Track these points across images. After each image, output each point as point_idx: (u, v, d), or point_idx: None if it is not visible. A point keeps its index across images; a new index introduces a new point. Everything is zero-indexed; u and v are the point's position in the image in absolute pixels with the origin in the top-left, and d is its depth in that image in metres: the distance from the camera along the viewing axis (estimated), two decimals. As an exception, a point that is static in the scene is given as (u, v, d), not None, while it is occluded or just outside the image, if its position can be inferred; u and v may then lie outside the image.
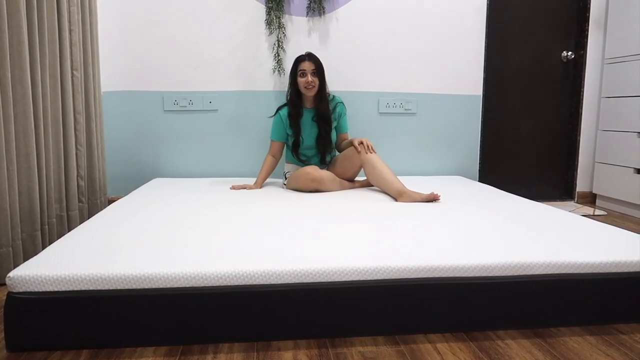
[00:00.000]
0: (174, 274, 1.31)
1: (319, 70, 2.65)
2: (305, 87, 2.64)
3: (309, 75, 2.62)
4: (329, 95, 2.76)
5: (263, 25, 3.08)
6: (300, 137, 2.70)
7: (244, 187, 2.67)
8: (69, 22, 2.35)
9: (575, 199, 3.56)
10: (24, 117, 1.91)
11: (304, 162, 2.74)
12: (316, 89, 2.65)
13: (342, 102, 2.81)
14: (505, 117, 3.50)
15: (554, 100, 3.54)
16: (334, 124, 2.77)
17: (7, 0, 1.79)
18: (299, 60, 2.69)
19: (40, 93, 2.05)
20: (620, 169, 3.19)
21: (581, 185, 3.56)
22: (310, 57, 2.68)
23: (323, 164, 2.75)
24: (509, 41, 3.43)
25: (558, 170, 3.62)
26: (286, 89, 3.12)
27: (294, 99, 2.71)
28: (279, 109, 2.77)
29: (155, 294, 1.30)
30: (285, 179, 2.81)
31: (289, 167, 2.82)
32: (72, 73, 2.39)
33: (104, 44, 2.87)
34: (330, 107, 2.73)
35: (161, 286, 1.31)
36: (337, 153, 2.86)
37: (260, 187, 2.72)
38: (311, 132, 2.72)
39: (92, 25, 2.63)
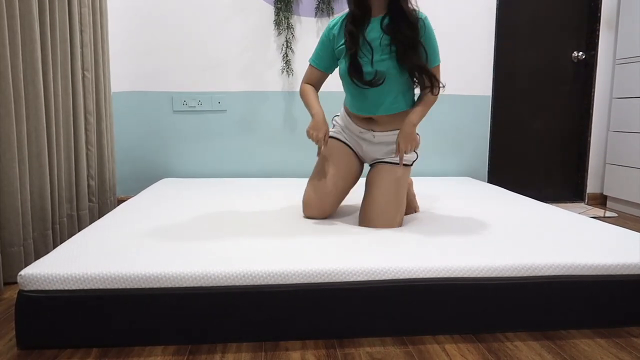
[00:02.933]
0: (183, 273, 1.32)
1: None
2: None
3: None
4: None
5: (272, 26, 3.09)
6: (361, 52, 1.78)
7: (323, 142, 1.85)
8: (80, 23, 2.38)
9: (586, 200, 3.53)
10: (35, 116, 1.92)
11: (368, 84, 1.80)
12: None
13: (426, 18, 1.83)
14: (515, 117, 3.47)
15: (564, 100, 3.51)
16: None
17: (20, 2, 1.81)
18: None
19: (52, 93, 2.07)
20: (632, 171, 3.16)
21: (592, 187, 3.53)
22: None
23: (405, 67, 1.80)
24: (519, 41, 3.41)
25: (568, 172, 3.59)
26: (294, 89, 3.11)
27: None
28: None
29: (164, 293, 1.31)
30: (333, 126, 2.06)
31: (342, 112, 2.04)
32: (83, 73, 2.41)
33: (113, 44, 2.89)
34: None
35: (170, 285, 1.31)
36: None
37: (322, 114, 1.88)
38: (382, 50, 1.78)
39: (102, 26, 2.65)
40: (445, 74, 3.24)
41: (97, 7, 2.57)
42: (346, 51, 1.80)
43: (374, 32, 1.79)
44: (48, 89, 2.04)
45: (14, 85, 1.78)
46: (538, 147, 3.53)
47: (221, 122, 3.14)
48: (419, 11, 1.81)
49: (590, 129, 3.46)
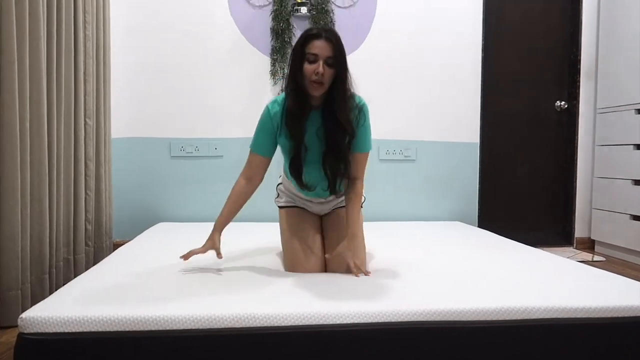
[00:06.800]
0: (181, 316, 1.35)
1: (337, 59, 1.66)
2: (311, 81, 1.66)
3: (320, 64, 1.63)
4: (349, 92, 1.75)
5: (268, 75, 3.22)
6: (304, 146, 1.74)
7: (191, 254, 1.84)
8: (84, 73, 2.48)
9: (574, 245, 3.59)
10: (39, 163, 1.99)
11: (303, 189, 1.83)
12: (325, 87, 1.68)
13: (364, 105, 1.81)
14: (503, 164, 3.58)
15: (550, 148, 3.64)
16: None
17: (30, 54, 1.91)
18: (310, 36, 1.67)
19: (55, 141, 2.14)
20: (617, 215, 3.24)
21: (579, 231, 3.60)
22: (328, 35, 1.65)
23: (332, 193, 1.83)
24: (504, 91, 3.56)
25: (556, 217, 3.67)
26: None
27: (296, 90, 1.71)
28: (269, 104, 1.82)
29: (162, 336, 1.33)
30: (278, 195, 2.09)
31: (283, 179, 2.04)
32: (85, 121, 2.50)
33: (114, 92, 3.00)
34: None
35: (167, 328, 1.34)
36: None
37: (219, 235, 1.88)
38: (317, 144, 1.76)
39: (105, 76, 2.76)
40: (435, 122, 3.38)
41: (101, 58, 2.69)
42: (289, 147, 1.76)
43: (312, 126, 1.76)
44: (52, 137, 2.11)
45: (21, 133, 1.86)
46: (526, 193, 3.62)
47: (218, 168, 3.22)
48: (358, 97, 1.80)
49: (576, 174, 3.57)
